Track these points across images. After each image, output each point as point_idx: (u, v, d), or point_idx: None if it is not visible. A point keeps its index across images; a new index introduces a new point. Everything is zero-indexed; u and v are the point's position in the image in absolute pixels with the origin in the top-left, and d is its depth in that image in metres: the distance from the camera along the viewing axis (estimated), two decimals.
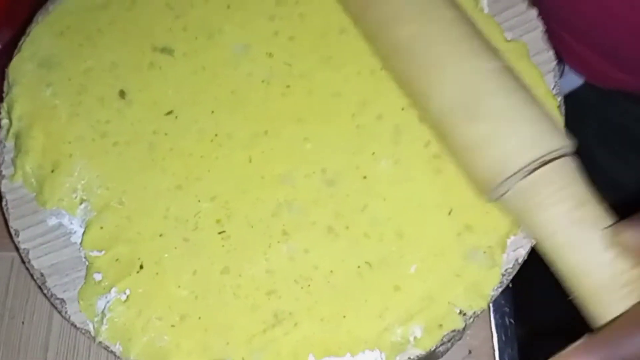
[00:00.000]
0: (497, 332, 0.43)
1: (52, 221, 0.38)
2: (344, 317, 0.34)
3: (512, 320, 0.42)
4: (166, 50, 0.41)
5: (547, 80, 0.37)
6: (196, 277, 0.36)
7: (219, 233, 0.36)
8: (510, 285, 0.35)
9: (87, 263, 0.37)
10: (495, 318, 0.42)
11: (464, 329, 0.34)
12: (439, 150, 0.37)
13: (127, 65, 0.41)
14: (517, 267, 0.35)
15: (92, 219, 0.37)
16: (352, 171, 0.37)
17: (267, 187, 0.37)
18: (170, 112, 0.39)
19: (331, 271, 0.35)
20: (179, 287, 0.36)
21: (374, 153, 0.37)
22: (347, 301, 0.34)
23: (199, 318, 0.35)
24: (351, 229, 0.36)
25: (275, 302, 0.35)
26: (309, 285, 0.35)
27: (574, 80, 0.54)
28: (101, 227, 0.37)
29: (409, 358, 0.34)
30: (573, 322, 0.31)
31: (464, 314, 0.34)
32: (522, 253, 0.35)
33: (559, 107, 0.37)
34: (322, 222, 0.36)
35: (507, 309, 0.43)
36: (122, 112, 0.40)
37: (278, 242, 0.36)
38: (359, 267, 0.35)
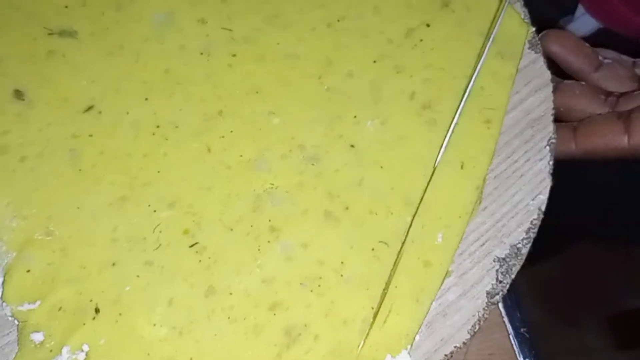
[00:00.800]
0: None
1: None
2: (372, 310, 0.28)
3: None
4: (66, 33, 0.32)
5: None
6: (174, 307, 0.27)
7: (191, 246, 0.28)
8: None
9: (16, 322, 0.27)
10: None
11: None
12: (428, 99, 0.31)
13: (16, 58, 0.31)
14: (541, 216, 0.31)
15: (11, 262, 0.28)
16: (336, 141, 0.31)
17: (237, 177, 0.30)
18: (90, 108, 0.31)
19: (342, 262, 0.29)
20: (154, 325, 0.27)
21: (355, 116, 0.31)
22: (371, 292, 0.28)
23: (190, 359, 0.27)
24: (352, 208, 0.30)
25: (283, 317, 0.28)
26: (319, 286, 0.28)
27: (588, 23, 0.50)
28: (27, 271, 0.28)
29: (455, 346, 0.28)
30: None
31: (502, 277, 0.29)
32: (543, 199, 0.31)
33: None
34: (316, 208, 0.30)
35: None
36: (23, 117, 0.30)
37: (268, 241, 0.29)
38: (373, 249, 0.29)
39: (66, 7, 0.32)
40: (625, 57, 0.39)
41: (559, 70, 0.37)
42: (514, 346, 0.34)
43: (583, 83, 0.37)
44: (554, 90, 0.34)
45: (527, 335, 0.34)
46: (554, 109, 0.32)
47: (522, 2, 0.34)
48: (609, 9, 0.47)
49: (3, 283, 0.27)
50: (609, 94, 0.36)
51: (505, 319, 0.35)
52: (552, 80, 0.34)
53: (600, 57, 0.38)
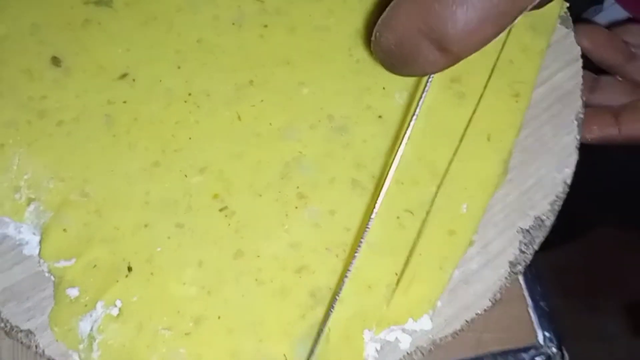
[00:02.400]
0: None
1: None
2: (396, 276, 0.28)
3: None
4: (102, 2, 0.33)
5: None
6: (203, 268, 0.28)
7: (220, 210, 0.29)
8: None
9: (53, 278, 0.28)
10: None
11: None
12: (457, 73, 0.32)
13: (53, 26, 0.32)
14: (567, 189, 0.31)
15: (48, 221, 0.29)
16: (364, 112, 0.31)
17: (266, 145, 0.30)
18: (124, 75, 0.31)
19: (367, 228, 0.29)
20: (184, 284, 0.28)
21: (384, 88, 0.32)
22: (395, 259, 0.29)
23: (219, 318, 0.28)
24: (378, 178, 0.30)
25: (309, 279, 0.28)
26: (344, 251, 0.29)
27: (616, 13, 0.49)
28: (64, 230, 0.28)
29: (476, 313, 0.29)
30: None
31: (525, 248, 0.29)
32: (569, 173, 0.31)
33: None
34: (343, 176, 0.30)
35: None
36: (60, 84, 0.31)
37: (296, 207, 0.29)
38: (398, 217, 0.29)
39: None
40: None
41: (590, 64, 0.37)
42: (533, 319, 0.35)
43: (620, 79, 0.36)
44: (592, 90, 0.34)
45: (547, 309, 0.35)
46: (583, 84, 0.32)
47: None
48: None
49: (41, 241, 0.28)
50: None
51: (525, 292, 0.35)
52: (588, 77, 0.34)
53: (633, 49, 0.38)
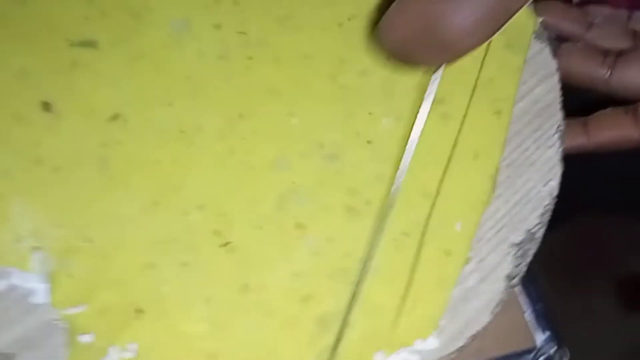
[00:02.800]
0: None
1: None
2: (400, 298, 0.29)
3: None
4: (88, 43, 0.33)
5: None
6: (211, 305, 0.29)
7: (222, 245, 0.30)
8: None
9: (64, 326, 0.29)
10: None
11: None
12: (440, 94, 0.33)
13: (41, 70, 0.32)
14: (554, 201, 0.32)
15: (54, 269, 0.29)
16: (353, 139, 0.32)
17: (261, 178, 0.31)
18: (116, 116, 0.32)
19: (371, 254, 0.30)
20: (195, 322, 0.29)
21: (370, 113, 0.33)
22: (398, 280, 0.30)
23: (232, 352, 0.29)
24: (372, 202, 0.31)
25: (316, 307, 0.29)
26: (347, 277, 0.30)
27: None
28: (71, 276, 0.29)
29: (478, 329, 0.30)
30: None
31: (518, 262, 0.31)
32: (554, 185, 0.33)
33: None
34: (338, 204, 0.31)
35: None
36: (53, 129, 0.31)
37: (295, 238, 0.30)
38: (395, 240, 0.30)
39: (86, 18, 0.33)
40: (620, 12, 0.40)
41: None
42: (530, 322, 0.36)
43: (579, 44, 0.38)
44: (555, 55, 0.35)
45: (542, 311, 0.36)
46: (561, 96, 0.34)
47: None
48: None
49: (49, 289, 0.29)
50: (606, 53, 0.37)
51: (521, 296, 0.37)
52: (552, 44, 0.36)
53: (590, 18, 0.39)
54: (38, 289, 0.29)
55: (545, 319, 0.36)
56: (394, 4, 0.27)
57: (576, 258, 0.43)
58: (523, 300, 0.38)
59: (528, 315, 0.36)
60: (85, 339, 0.28)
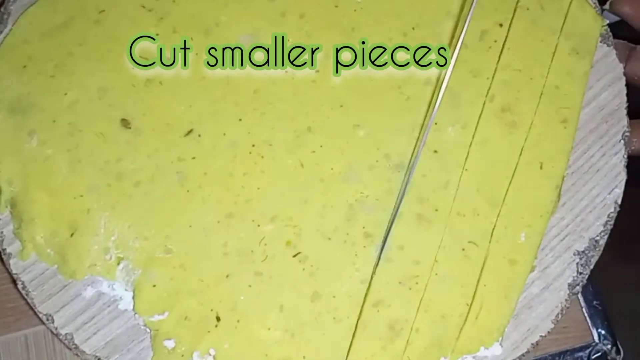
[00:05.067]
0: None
1: (89, 292, 0.31)
2: (467, 306, 0.30)
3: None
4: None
5: None
6: (284, 312, 0.31)
7: (294, 256, 0.31)
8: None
9: (148, 331, 0.31)
10: None
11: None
12: (507, 102, 0.33)
13: (118, 88, 0.34)
14: (618, 209, 0.32)
15: (138, 278, 0.31)
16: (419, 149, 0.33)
17: (330, 190, 0.32)
18: (190, 132, 0.33)
19: (436, 261, 0.31)
20: (269, 329, 0.30)
21: (436, 123, 0.33)
22: (464, 289, 0.31)
23: (304, 358, 0.30)
24: (441, 210, 0.32)
25: (386, 313, 0.30)
26: (416, 284, 0.31)
27: None
28: (154, 285, 0.31)
29: (541, 335, 0.31)
30: None
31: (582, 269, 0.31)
32: (619, 192, 0.33)
33: None
34: (408, 212, 0.32)
35: None
36: (132, 145, 0.33)
37: (364, 247, 0.31)
38: (463, 249, 0.31)
39: (157, 34, 0.35)
40: None
41: (633, 35, 0.36)
42: (587, 318, 0.37)
43: None
44: (629, 58, 0.34)
45: (599, 308, 0.37)
46: (627, 102, 0.34)
47: None
48: None
49: (134, 297, 0.31)
50: None
51: (579, 294, 0.37)
52: (626, 47, 0.35)
53: None
54: (124, 296, 0.31)
55: (602, 317, 0.36)
56: None
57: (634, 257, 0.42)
58: (580, 297, 0.38)
59: (585, 311, 0.36)
60: (169, 344, 0.30)
